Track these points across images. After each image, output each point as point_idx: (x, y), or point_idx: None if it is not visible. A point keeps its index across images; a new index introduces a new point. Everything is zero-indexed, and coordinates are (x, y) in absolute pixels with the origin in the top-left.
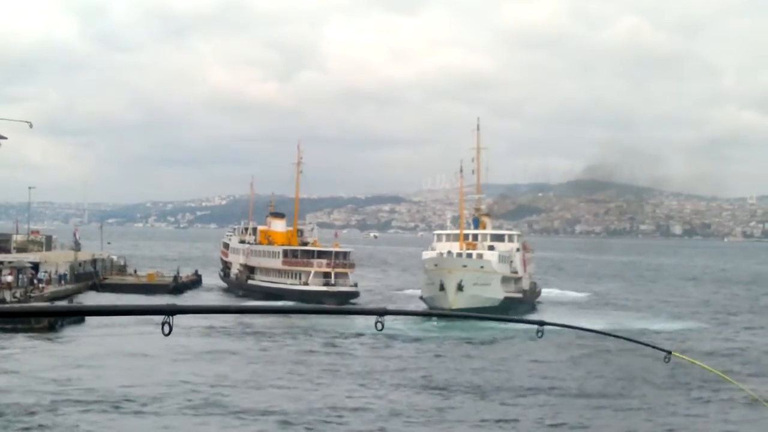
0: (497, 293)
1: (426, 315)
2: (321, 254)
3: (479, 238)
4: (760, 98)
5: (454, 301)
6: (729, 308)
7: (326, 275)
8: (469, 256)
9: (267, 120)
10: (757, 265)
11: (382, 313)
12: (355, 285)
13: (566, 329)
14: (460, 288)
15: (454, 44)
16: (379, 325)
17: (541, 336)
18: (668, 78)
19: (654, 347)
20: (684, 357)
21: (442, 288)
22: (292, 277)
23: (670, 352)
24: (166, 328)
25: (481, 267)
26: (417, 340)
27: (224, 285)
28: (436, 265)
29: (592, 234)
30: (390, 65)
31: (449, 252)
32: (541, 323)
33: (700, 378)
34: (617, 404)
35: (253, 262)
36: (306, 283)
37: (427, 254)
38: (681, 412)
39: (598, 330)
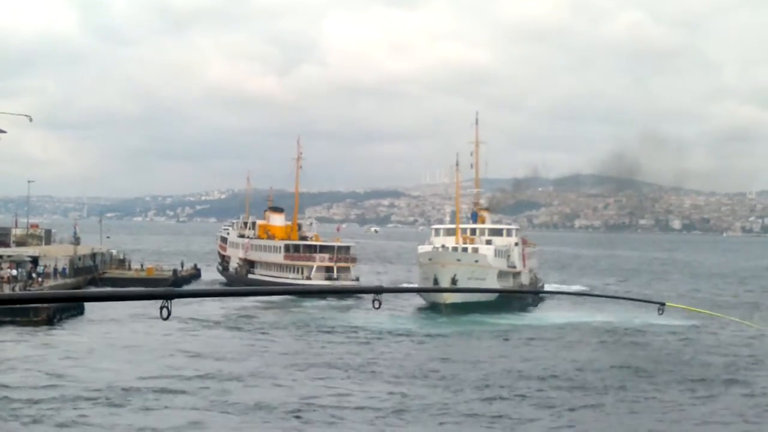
0: (493, 287)
1: (421, 291)
2: (323, 249)
3: (477, 232)
4: (760, 93)
5: (449, 295)
6: (732, 303)
7: (328, 270)
8: (465, 250)
9: (266, 114)
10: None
11: (378, 291)
12: (357, 279)
13: (564, 316)
14: (453, 282)
15: (454, 38)
16: (377, 303)
17: (536, 305)
18: (669, 73)
19: (647, 301)
20: (678, 305)
21: (435, 282)
22: (294, 272)
23: (663, 304)
24: (165, 313)
25: (476, 261)
26: (416, 335)
27: (223, 279)
28: (430, 260)
29: (590, 229)
30: (390, 59)
31: (443, 246)
32: (536, 292)
33: (703, 373)
34: (617, 398)
35: (254, 256)
36: (309, 278)
37: (422, 248)
38: (685, 406)
39: (589, 293)
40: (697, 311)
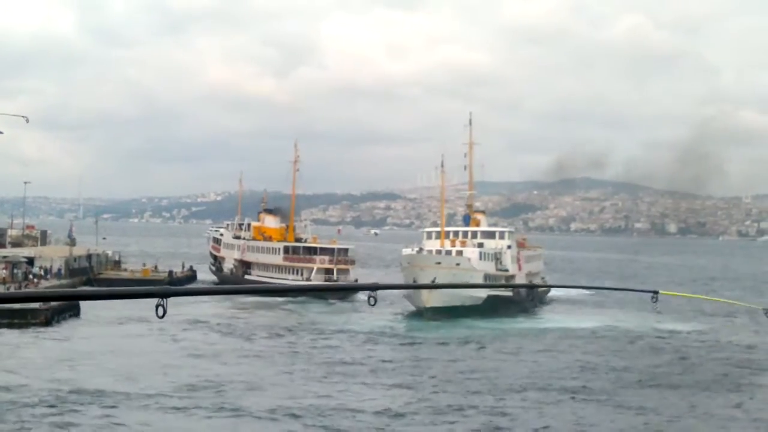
0: (478, 291)
1: (416, 288)
2: (323, 251)
3: (469, 235)
4: (759, 98)
5: (428, 299)
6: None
7: (328, 271)
8: (448, 253)
9: (264, 116)
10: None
11: (374, 288)
12: (356, 281)
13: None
14: None
15: (453, 41)
16: (372, 300)
17: (537, 302)
18: (667, 76)
19: (640, 291)
20: (670, 293)
21: None
22: (293, 273)
23: (657, 292)
24: (160, 311)
25: (457, 264)
26: (411, 337)
27: (216, 280)
28: (409, 263)
29: (584, 232)
30: (388, 61)
31: (420, 249)
32: (531, 286)
33: (700, 375)
34: (620, 400)
35: (251, 257)
36: (308, 279)
37: (405, 251)
38: (679, 407)
39: (580, 286)
40: (691, 296)
